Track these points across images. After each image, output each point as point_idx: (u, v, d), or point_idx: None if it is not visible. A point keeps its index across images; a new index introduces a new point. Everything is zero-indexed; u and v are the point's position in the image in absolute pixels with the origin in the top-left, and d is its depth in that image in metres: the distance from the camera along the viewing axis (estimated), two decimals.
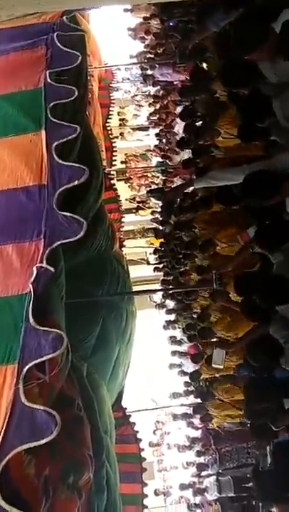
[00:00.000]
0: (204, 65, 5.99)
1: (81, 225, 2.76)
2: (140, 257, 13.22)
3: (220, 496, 7.90)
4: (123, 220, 9.26)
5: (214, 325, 6.19)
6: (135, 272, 9.67)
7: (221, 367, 5.78)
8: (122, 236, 9.15)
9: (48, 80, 3.31)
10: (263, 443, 3.87)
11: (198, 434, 8.97)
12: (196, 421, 8.66)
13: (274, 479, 3.69)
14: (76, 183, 2.86)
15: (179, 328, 9.37)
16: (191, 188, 5.61)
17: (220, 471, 7.92)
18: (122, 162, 12.85)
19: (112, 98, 9.34)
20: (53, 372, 2.34)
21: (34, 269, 2.66)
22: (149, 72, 9.91)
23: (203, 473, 8.55)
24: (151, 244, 12.27)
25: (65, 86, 3.24)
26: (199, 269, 6.39)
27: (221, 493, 7.85)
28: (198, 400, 7.95)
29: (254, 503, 7.37)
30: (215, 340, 6.17)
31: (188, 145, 6.69)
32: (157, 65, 9.11)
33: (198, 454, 8.68)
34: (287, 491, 3.66)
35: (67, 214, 2.79)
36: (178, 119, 8.98)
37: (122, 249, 8.19)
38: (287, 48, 2.83)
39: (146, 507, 5.68)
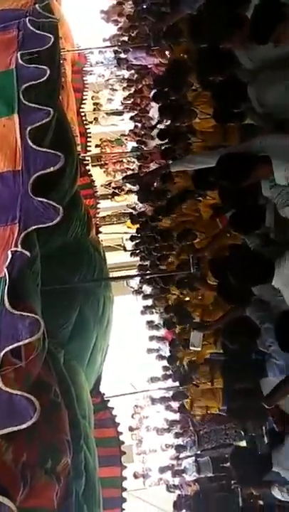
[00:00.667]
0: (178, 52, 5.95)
1: (57, 210, 2.74)
2: (117, 243, 13.19)
3: (199, 476, 8.05)
4: (99, 206, 9.22)
5: (193, 311, 6.25)
6: (112, 258, 9.66)
7: (199, 349, 5.87)
8: (98, 222, 9.12)
9: (20, 61, 3.24)
10: (258, 424, 3.93)
11: (176, 416, 9.08)
12: (175, 404, 8.77)
13: (252, 463, 3.76)
14: (51, 169, 2.83)
15: (157, 313, 9.42)
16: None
17: (198, 452, 8.06)
18: (96, 146, 12.72)
19: (85, 82, 9.22)
20: (30, 358, 2.33)
21: (9, 253, 2.63)
22: (122, 55, 9.79)
23: (182, 455, 8.68)
24: (128, 227, 12.24)
25: (37, 66, 3.17)
26: (179, 266, 6.38)
27: (200, 473, 7.99)
28: (177, 384, 8.04)
29: (232, 482, 7.53)
30: (192, 323, 6.23)
31: (168, 134, 6.64)
32: (131, 49, 9.01)
33: (177, 435, 8.80)
34: (264, 474, 3.74)
35: (43, 200, 2.76)
36: (152, 103, 8.92)
37: (99, 235, 8.17)
38: (260, 32, 2.83)
39: (126, 489, 5.76)
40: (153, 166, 9.31)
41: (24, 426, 2.21)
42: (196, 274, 5.25)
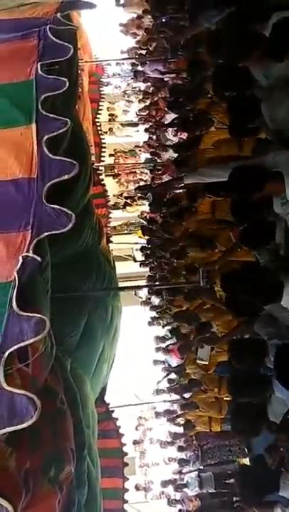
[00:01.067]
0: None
1: (69, 217, 2.76)
2: (127, 254, 13.21)
3: (200, 491, 7.96)
4: (110, 215, 9.27)
5: (213, 319, 6.18)
6: (121, 268, 9.67)
7: (206, 363, 5.84)
8: (109, 232, 9.16)
9: (40, 71, 3.30)
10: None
11: (180, 430, 9.01)
12: (179, 418, 8.69)
13: (256, 482, 3.72)
14: (66, 177, 2.86)
15: (164, 323, 9.39)
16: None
17: (201, 467, 7.98)
18: (110, 155, 12.81)
19: (102, 93, 9.32)
20: (35, 356, 2.33)
21: (20, 258, 2.65)
22: (139, 68, 9.88)
23: (185, 470, 8.60)
24: (139, 237, 12.24)
25: (56, 78, 3.22)
26: (189, 268, 6.37)
27: (202, 488, 7.91)
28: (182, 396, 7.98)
29: (234, 499, 7.45)
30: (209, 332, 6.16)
31: (183, 146, 6.63)
32: (148, 61, 9.09)
33: (180, 449, 8.73)
34: (268, 494, 3.70)
35: (56, 206, 2.79)
36: (167, 116, 8.98)
37: (109, 244, 8.20)
38: (278, 50, 2.85)
39: (127, 501, 5.72)
40: (165, 178, 9.35)
41: (24, 425, 2.20)
42: (205, 287, 5.23)
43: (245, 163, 3.33)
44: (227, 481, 7.62)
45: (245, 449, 6.75)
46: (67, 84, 3.15)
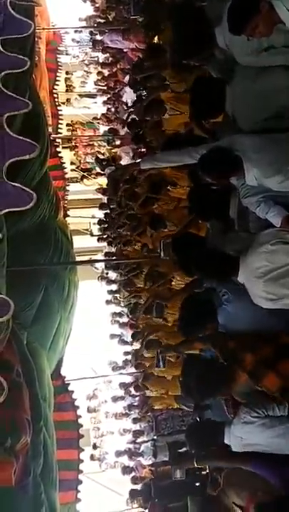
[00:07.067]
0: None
1: (31, 196, 2.72)
2: (84, 228, 13.11)
3: (155, 460, 8.18)
4: (68, 188, 9.16)
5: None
6: (79, 242, 9.61)
7: (160, 320, 5.96)
8: (66, 205, 9.06)
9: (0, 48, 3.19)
10: None
11: (135, 401, 9.18)
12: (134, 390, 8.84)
13: (204, 432, 3.88)
14: (27, 157, 2.80)
15: (120, 298, 9.45)
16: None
17: (155, 437, 8.18)
18: (67, 125, 12.56)
19: (59, 63, 9.09)
20: None
21: None
22: (98, 37, 9.65)
23: (139, 440, 8.79)
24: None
25: (18, 56, 3.12)
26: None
27: (156, 457, 8.12)
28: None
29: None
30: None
31: (137, 127, 6.55)
32: (107, 31, 8.90)
33: (135, 420, 8.90)
34: (215, 443, 3.86)
35: (17, 185, 2.74)
36: (126, 88, 8.86)
37: (66, 218, 8.13)
38: (235, 23, 2.84)
39: (82, 472, 5.84)
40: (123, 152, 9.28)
41: None
42: (165, 258, 5.28)
43: (204, 150, 3.32)
44: (180, 450, 7.85)
45: (198, 419, 6.95)
46: (28, 63, 3.07)
